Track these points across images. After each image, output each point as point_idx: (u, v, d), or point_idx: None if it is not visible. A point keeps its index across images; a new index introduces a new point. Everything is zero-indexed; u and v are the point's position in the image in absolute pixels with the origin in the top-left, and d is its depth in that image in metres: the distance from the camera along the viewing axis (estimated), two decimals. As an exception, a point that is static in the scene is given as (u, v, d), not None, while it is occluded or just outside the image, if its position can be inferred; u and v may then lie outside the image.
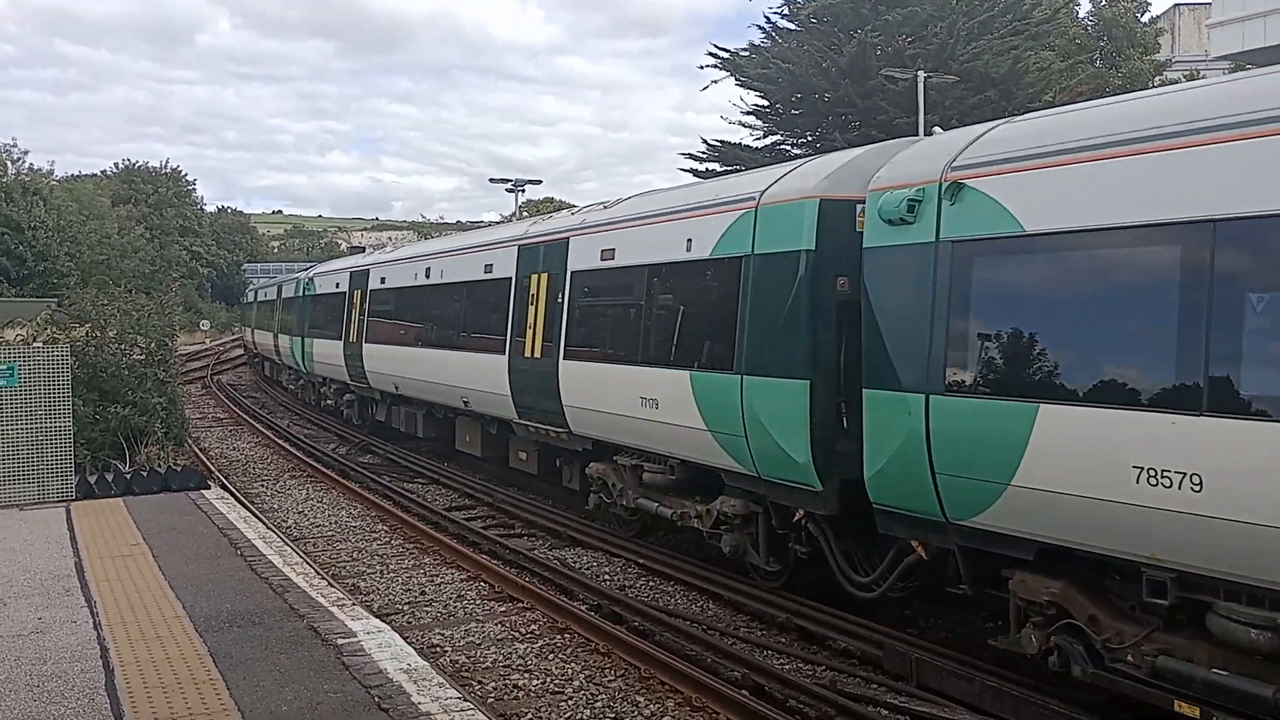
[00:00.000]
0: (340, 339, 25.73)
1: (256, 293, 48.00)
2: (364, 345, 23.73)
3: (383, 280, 23.56)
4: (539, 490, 17.36)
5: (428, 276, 20.36)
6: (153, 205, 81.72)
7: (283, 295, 35.93)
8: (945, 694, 8.30)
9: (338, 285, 27.18)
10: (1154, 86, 39.36)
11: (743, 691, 8.39)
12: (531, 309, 15.23)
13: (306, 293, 30.59)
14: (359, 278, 25.27)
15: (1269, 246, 6.04)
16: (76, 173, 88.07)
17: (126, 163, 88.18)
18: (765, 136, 37.29)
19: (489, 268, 17.05)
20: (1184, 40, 52.88)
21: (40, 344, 16.80)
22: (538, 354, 14.86)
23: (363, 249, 58.79)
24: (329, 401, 29.06)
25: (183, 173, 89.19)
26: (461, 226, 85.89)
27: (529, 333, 15.21)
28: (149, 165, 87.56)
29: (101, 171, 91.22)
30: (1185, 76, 45.13)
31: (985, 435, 7.63)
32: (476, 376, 16.93)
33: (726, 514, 11.04)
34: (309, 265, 44.81)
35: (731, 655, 9.30)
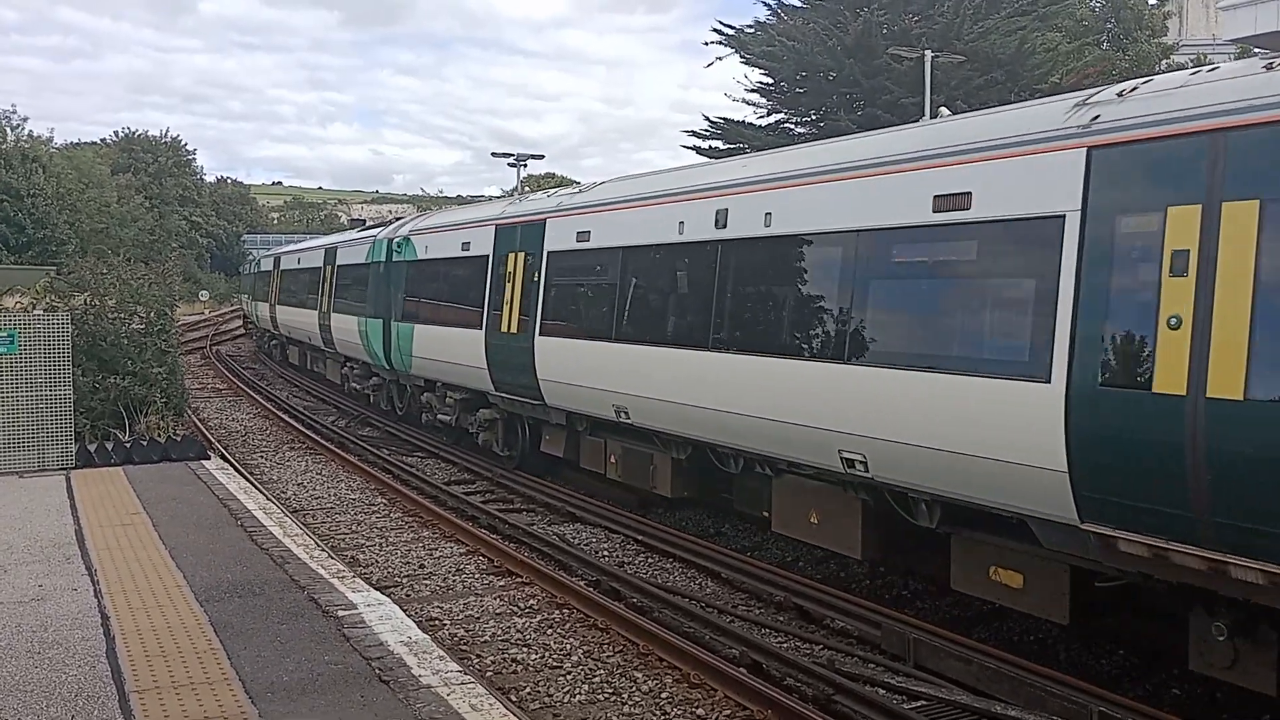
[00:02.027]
0: (519, 328, 15.70)
1: (279, 259, 37.03)
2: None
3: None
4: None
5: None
6: (152, 175, 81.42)
7: (341, 260, 26.53)
8: (943, 674, 8.34)
9: (466, 247, 18.12)
10: (1161, 70, 39.15)
11: (740, 669, 8.42)
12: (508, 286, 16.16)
13: (400, 257, 21.08)
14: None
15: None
16: (76, 141, 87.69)
17: (126, 131, 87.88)
18: (769, 115, 37.06)
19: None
20: (1192, 23, 52.57)
21: (40, 312, 16.75)
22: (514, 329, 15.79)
23: (362, 222, 58.47)
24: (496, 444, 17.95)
25: (182, 142, 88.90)
26: (462, 200, 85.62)
27: (505, 309, 16.08)
28: (149, 134, 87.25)
29: (101, 140, 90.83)
30: (1192, 60, 44.89)
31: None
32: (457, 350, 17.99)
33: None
34: (363, 226, 36.17)
35: (729, 633, 9.34)
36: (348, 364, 26.44)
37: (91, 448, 15.33)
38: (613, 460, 13.90)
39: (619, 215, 13.53)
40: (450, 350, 17.89)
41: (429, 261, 19.89)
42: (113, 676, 6.79)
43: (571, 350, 14.08)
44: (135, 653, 7.21)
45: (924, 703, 7.84)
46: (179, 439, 16.22)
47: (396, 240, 21.39)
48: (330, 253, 28.15)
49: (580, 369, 13.80)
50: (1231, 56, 33.42)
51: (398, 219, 27.79)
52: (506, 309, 15.84)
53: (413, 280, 20.46)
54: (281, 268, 35.76)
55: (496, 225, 16.97)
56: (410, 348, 19.75)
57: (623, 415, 12.82)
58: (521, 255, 15.88)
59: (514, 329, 15.52)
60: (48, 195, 51.63)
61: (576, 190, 15.95)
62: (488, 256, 16.92)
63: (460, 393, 18.18)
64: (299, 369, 35.01)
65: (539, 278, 15.15)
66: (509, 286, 15.90)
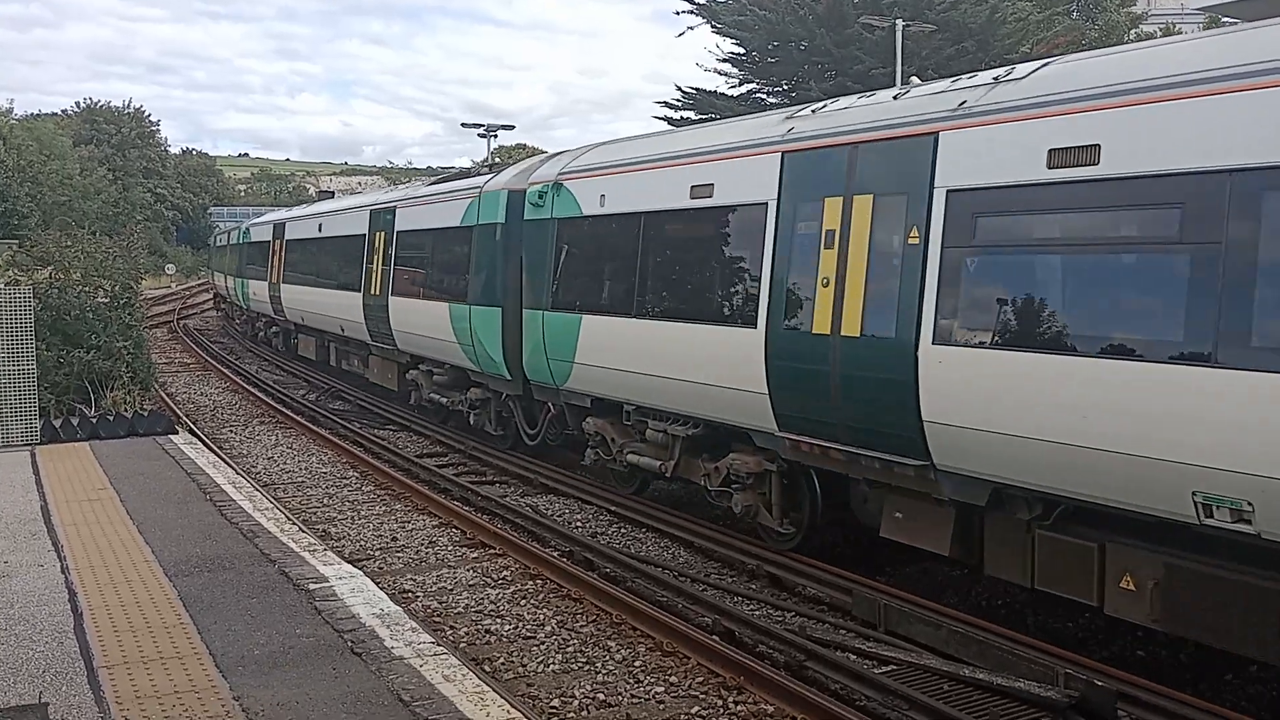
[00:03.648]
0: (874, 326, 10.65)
1: (282, 225, 29.86)
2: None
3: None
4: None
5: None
6: (115, 146, 79.96)
7: (404, 224, 19.41)
8: (913, 639, 8.42)
9: (708, 193, 11.52)
10: (1130, 39, 39.33)
11: (713, 637, 8.47)
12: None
13: (543, 213, 14.19)
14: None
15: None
16: (37, 112, 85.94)
17: (89, 102, 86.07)
18: (741, 85, 36.98)
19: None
20: (1160, -7, 52.72)
21: (2, 285, 16.48)
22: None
23: (331, 194, 57.82)
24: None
25: (146, 113, 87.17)
26: (432, 172, 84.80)
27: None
28: (112, 105, 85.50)
29: (63, 110, 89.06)
30: (1161, 30, 45.12)
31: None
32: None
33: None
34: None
35: (702, 601, 9.39)
36: (419, 368, 18.88)
37: (57, 423, 15.14)
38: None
39: None
40: (675, 359, 11.25)
41: (613, 219, 12.71)
42: (81, 652, 6.74)
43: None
44: (104, 628, 7.16)
45: (894, 667, 7.92)
46: (146, 413, 16.05)
47: (536, 190, 14.23)
48: (382, 215, 20.47)
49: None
50: (1200, 25, 33.62)
51: (445, 175, 21.44)
52: (833, 292, 9.18)
53: (575, 247, 13.39)
54: (288, 236, 28.55)
55: (787, 151, 9.96)
56: (571, 350, 13.09)
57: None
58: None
59: (858, 328, 8.89)
60: (8, 167, 50.79)
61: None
62: (766, 205, 10.04)
63: (686, 425, 11.51)
64: (313, 362, 27.32)
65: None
66: (836, 255, 9.22)
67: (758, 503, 10.81)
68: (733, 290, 10.64)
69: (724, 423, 10.86)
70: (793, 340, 9.48)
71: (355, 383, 23.93)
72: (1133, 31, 41.01)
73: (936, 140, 8.28)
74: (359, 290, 20.92)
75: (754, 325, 9.89)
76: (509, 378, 15.15)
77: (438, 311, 16.92)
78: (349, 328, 22.04)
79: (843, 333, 8.89)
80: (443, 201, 17.66)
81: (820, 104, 10.41)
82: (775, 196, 9.85)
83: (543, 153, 19.53)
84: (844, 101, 10.23)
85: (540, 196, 14.10)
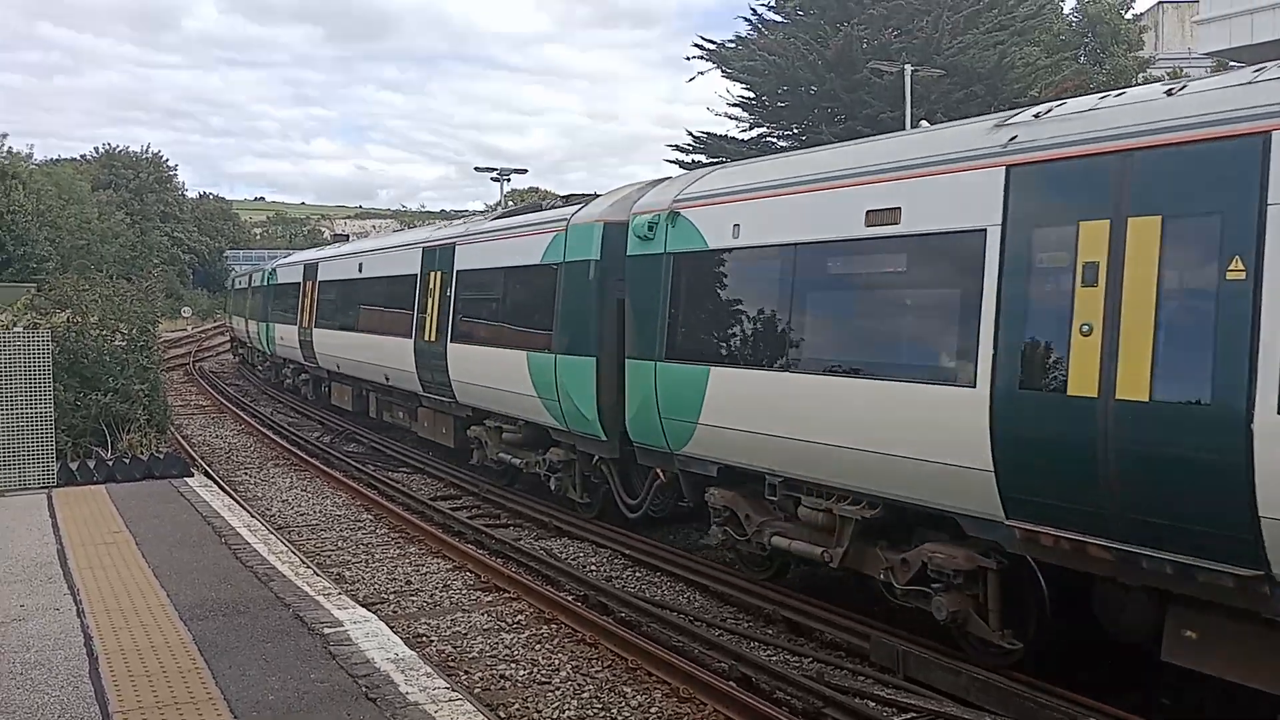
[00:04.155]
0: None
1: (315, 266, 27.86)
2: None
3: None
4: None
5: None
6: (133, 190, 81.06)
7: (465, 263, 17.47)
8: (932, 686, 8.33)
9: (884, 219, 9.31)
10: (1137, 83, 39.56)
11: (730, 683, 8.39)
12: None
13: (653, 247, 12.18)
14: None
15: None
16: (56, 157, 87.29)
17: (107, 147, 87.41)
18: (751, 129, 37.27)
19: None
20: (1168, 37, 53.17)
21: (21, 329, 16.62)
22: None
23: (346, 237, 58.29)
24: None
25: (164, 158, 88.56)
26: (445, 215, 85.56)
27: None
28: (130, 150, 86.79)
29: (82, 156, 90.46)
30: (1168, 74, 45.39)
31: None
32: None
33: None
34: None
35: (719, 646, 9.31)
36: (484, 424, 16.81)
37: (73, 466, 15.19)
38: None
39: None
40: (844, 422, 9.14)
41: (751, 252, 10.67)
42: (96, 697, 6.71)
43: None
44: (119, 673, 7.13)
45: (914, 715, 7.84)
46: (162, 456, 16.09)
47: (643, 221, 12.12)
48: (438, 253, 18.55)
49: None
50: (1208, 70, 33.80)
51: (493, 210, 20.78)
52: (1101, 342, 7.19)
53: (698, 287, 11.41)
54: (322, 277, 26.54)
55: (1013, 165, 7.91)
56: (694, 408, 11.04)
57: None
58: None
59: (1145, 390, 6.92)
60: (28, 212, 51.40)
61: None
62: (984, 233, 7.94)
63: (859, 505, 9.30)
64: (346, 412, 25.30)
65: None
66: (1103, 294, 7.25)
67: (968, 607, 8.42)
68: (935, 339, 8.50)
69: (915, 504, 8.65)
70: (1036, 404, 7.35)
71: (394, 435, 22.43)
72: (1140, 75, 41.26)
73: (1268, 142, 6.30)
74: (408, 336, 18.97)
75: (970, 383, 7.77)
76: (604, 439, 13.09)
77: (512, 360, 14.85)
78: (395, 376, 20.08)
79: (1119, 395, 6.82)
80: (517, 236, 15.59)
81: (1042, 108, 8.23)
82: (999, 221, 7.72)
83: (555, 197, 18.77)
84: (1079, 103, 7.94)
85: (649, 228, 11.91)
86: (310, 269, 27.90)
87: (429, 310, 18.31)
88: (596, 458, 13.67)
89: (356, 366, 22.95)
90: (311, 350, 26.55)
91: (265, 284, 33.97)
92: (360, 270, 23.18)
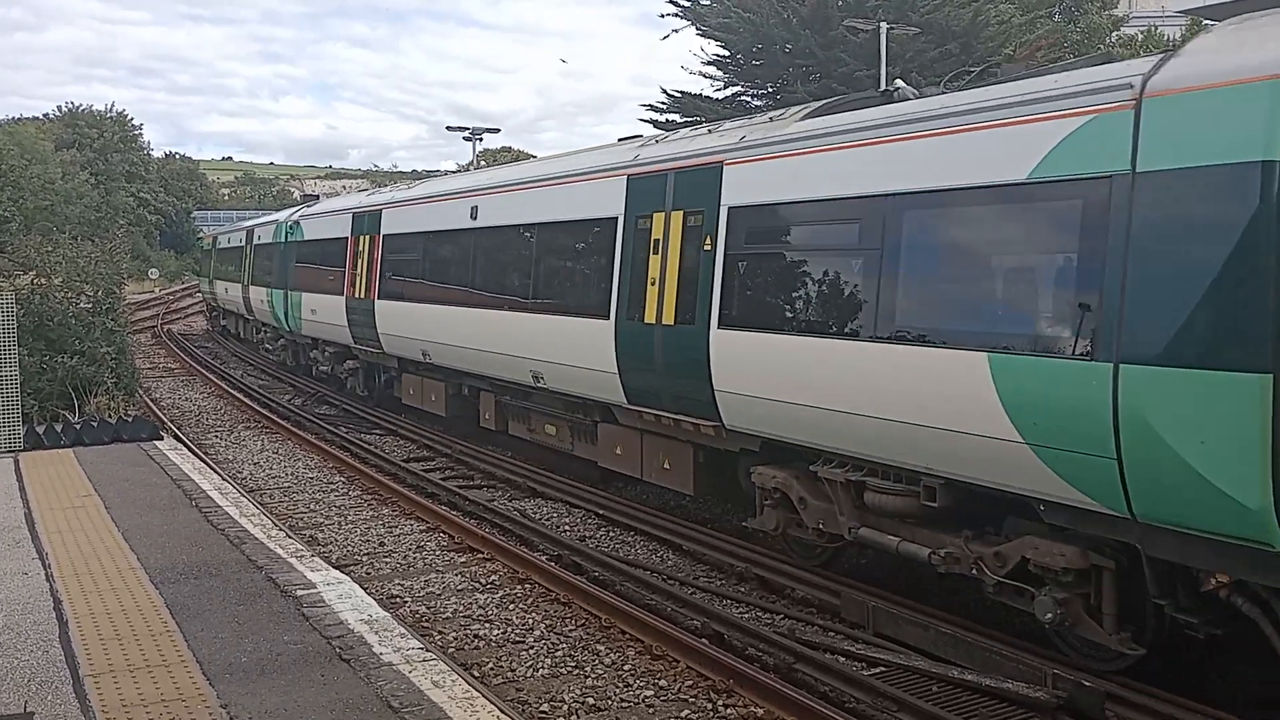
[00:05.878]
0: None
1: (297, 223, 25.13)
2: None
3: None
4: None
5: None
6: (98, 150, 79.41)
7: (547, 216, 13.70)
8: (901, 641, 8.45)
9: None
10: (1111, 41, 39.60)
11: (702, 640, 8.47)
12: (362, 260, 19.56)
13: None
14: None
15: None
16: (18, 116, 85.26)
17: (70, 106, 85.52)
18: (725, 87, 36.95)
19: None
20: (1141, -4, 53.06)
21: (-17, 291, 16.36)
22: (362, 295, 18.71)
23: (316, 197, 57.53)
24: None
25: (129, 117, 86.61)
26: (417, 175, 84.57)
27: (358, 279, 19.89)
28: (94, 109, 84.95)
29: (44, 115, 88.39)
30: (1142, 32, 45.41)
31: None
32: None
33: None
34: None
35: (691, 604, 9.39)
36: (569, 411, 13.69)
37: (40, 429, 15.03)
38: None
39: None
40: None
41: None
42: (66, 661, 6.68)
43: None
44: (89, 636, 7.10)
45: (883, 669, 7.95)
46: (130, 419, 15.95)
47: None
48: (690, 180, 11.02)
49: None
50: (1182, 28, 33.86)
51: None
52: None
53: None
54: (389, 229, 19.31)
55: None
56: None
57: None
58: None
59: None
60: (-11, 172, 50.31)
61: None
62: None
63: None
64: (425, 416, 19.40)
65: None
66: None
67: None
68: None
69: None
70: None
71: (539, 459, 15.77)
72: (1114, 34, 41.25)
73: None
74: (601, 315, 12.03)
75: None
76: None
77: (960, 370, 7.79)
78: (561, 377, 13.12)
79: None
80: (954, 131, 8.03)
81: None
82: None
83: (531, 156, 17.69)
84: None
85: None
86: (369, 219, 20.21)
87: (655, 274, 11.23)
88: None
89: (466, 357, 15.85)
90: (374, 331, 19.51)
91: (283, 239, 26.30)
92: (475, 217, 15.74)
